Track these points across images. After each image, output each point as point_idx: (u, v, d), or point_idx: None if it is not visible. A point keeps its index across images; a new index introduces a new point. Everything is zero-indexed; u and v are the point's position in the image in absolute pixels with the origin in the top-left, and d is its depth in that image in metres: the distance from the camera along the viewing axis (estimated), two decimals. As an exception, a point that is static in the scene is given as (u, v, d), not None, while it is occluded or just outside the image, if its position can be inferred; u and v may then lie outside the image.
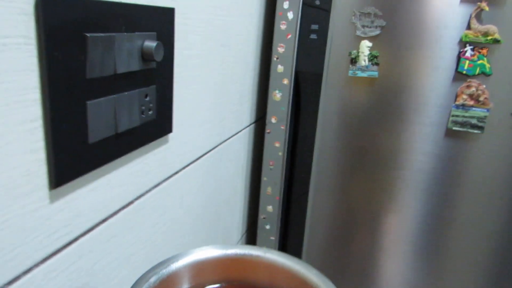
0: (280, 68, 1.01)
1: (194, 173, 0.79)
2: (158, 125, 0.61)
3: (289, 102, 1.03)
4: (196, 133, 0.77)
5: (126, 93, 0.52)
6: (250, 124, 1.10)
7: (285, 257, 0.50)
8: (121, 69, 0.49)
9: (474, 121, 0.88)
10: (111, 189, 0.53)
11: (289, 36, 0.98)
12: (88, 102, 0.45)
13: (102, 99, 0.48)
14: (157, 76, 0.59)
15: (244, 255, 0.50)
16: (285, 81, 1.02)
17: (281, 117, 1.04)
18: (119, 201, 0.55)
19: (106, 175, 0.52)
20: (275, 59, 1.01)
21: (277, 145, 1.07)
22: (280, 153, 1.07)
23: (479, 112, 0.88)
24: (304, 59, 1.00)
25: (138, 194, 0.60)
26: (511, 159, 0.90)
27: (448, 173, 0.94)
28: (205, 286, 0.50)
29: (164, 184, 0.67)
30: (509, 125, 0.88)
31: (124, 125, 0.52)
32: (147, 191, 0.62)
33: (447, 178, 0.94)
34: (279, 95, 1.03)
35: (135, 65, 0.52)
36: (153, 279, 0.45)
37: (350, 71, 0.94)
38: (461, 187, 0.94)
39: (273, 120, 1.05)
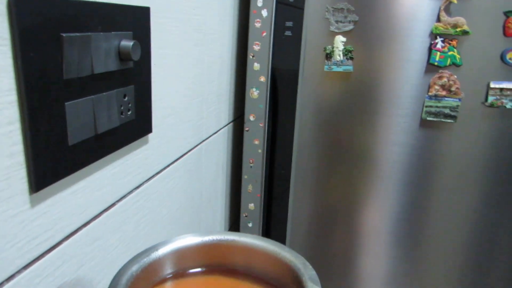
0: (256, 66, 1.02)
1: (175, 173, 0.78)
2: (138, 125, 0.61)
3: (266, 99, 1.03)
4: (176, 133, 0.76)
5: (104, 93, 0.51)
6: (229, 123, 1.10)
7: (259, 239, 0.53)
8: (98, 69, 0.49)
9: (447, 111, 0.91)
10: (92, 191, 0.52)
11: (264, 34, 0.99)
12: (66, 103, 0.44)
13: (80, 100, 0.47)
14: (135, 75, 0.58)
15: (220, 240, 0.53)
16: (262, 79, 1.02)
17: (259, 114, 1.05)
18: (101, 203, 0.55)
19: (87, 178, 0.51)
20: (251, 57, 1.01)
21: (256, 142, 1.07)
22: (260, 151, 1.07)
23: (451, 102, 0.90)
24: (280, 56, 1.01)
25: (119, 196, 0.59)
26: (483, 146, 0.93)
27: (424, 163, 0.96)
28: (187, 271, 0.52)
29: (146, 185, 0.67)
30: (480, 113, 0.91)
31: (104, 126, 0.51)
32: (128, 193, 0.62)
33: (422, 168, 0.97)
34: (256, 93, 1.04)
35: (112, 65, 0.51)
36: (135, 268, 0.45)
37: (326, 66, 0.96)
38: (436, 175, 0.97)
39: (251, 118, 1.06)
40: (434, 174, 0.97)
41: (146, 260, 0.47)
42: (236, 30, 1.05)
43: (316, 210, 1.08)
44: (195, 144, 0.88)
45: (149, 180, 0.68)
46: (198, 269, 0.53)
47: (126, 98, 0.56)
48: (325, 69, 0.96)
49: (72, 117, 0.46)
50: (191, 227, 0.90)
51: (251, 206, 1.12)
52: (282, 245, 0.52)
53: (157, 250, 0.49)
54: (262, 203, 1.12)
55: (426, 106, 0.92)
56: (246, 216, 1.13)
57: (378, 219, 1.04)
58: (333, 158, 1.02)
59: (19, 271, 0.41)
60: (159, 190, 0.72)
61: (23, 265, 0.41)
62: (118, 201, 0.59)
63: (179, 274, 0.51)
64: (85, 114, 0.48)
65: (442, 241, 1.02)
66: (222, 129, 1.05)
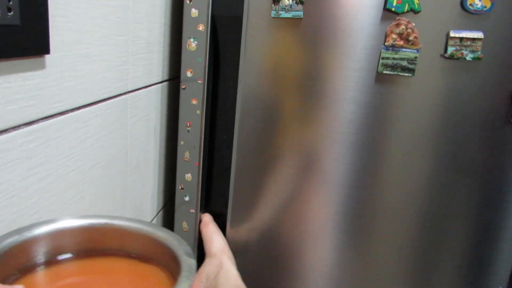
0: (194, 12, 0.88)
1: (90, 120, 0.63)
2: (25, 36, 0.46)
3: (206, 51, 0.90)
4: (87, 67, 0.61)
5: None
6: (164, 81, 0.96)
7: (133, 222, 0.54)
8: None
9: (404, 63, 0.82)
10: None
11: (203, -26, 0.86)
12: None
13: None
14: (19, -35, 0.43)
15: (92, 224, 0.53)
16: (201, 27, 0.89)
17: (198, 69, 0.92)
18: (-36, 130, 0.40)
19: None
20: (187, 2, 0.88)
21: (194, 102, 0.94)
22: (198, 112, 0.94)
23: (409, 53, 0.82)
24: (221, 0, 0.88)
25: (-2, 128, 0.44)
26: (442, 102, 0.85)
27: (380, 122, 0.88)
28: (58, 256, 0.51)
29: (42, 123, 0.52)
30: (439, 66, 0.83)
31: (-39, 14, 0.36)
32: (12, 128, 0.47)
33: (378, 127, 0.88)
34: (194, 44, 0.90)
35: None
36: None
37: (273, 12, 0.84)
38: (393, 135, 0.89)
39: (189, 74, 0.92)
40: (391, 132, 0.88)
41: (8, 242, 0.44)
42: (171, -28, 0.91)
43: (262, 179, 0.96)
44: (118, 93, 0.73)
45: (48, 119, 0.53)
46: (69, 255, 0.52)
47: (4, -8, 0.42)
48: (272, 15, 0.85)
49: None
50: (113, 196, 0.76)
51: (188, 176, 0.98)
52: (157, 226, 0.53)
53: (20, 234, 0.46)
54: (201, 173, 0.98)
55: (383, 58, 0.83)
56: (182, 189, 1.00)
57: (327, 189, 0.94)
58: (280, 118, 0.91)
59: None
60: (64, 136, 0.57)
61: None
62: (-6, 134, 0.44)
63: (50, 260, 0.50)
64: None
65: (393, 207, 0.94)
66: (155, 86, 0.91)
